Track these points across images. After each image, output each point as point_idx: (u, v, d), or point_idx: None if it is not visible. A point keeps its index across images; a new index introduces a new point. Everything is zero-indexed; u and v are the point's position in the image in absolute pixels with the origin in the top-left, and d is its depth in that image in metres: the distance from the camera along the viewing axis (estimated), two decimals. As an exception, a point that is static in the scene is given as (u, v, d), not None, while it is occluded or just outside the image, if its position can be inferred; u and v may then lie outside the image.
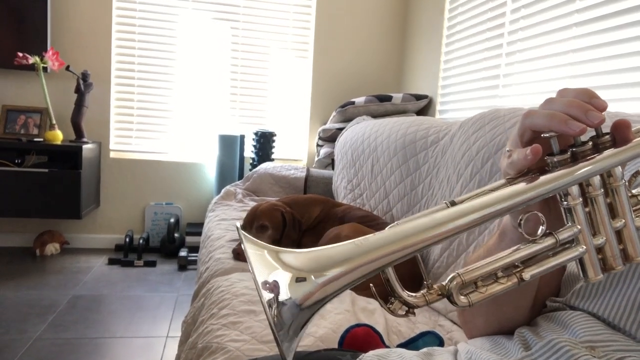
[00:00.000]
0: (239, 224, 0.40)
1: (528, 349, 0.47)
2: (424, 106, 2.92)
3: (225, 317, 1.05)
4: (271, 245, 0.37)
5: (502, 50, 2.16)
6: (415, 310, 0.40)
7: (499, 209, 0.37)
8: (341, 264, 0.34)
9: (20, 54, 2.69)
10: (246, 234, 0.37)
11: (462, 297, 0.39)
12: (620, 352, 0.43)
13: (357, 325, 0.90)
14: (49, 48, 2.82)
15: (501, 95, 2.17)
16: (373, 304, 1.16)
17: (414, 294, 0.39)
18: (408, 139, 1.81)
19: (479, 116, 1.44)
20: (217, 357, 0.91)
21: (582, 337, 0.45)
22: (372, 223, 1.59)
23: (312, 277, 0.33)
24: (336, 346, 0.88)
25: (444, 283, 0.39)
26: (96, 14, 3.03)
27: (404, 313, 0.39)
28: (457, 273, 0.39)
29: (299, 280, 0.33)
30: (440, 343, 0.87)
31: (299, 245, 1.62)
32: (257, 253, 0.36)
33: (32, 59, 2.71)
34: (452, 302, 0.39)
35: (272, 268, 0.34)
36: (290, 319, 0.33)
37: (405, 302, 0.38)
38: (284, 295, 0.33)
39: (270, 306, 0.33)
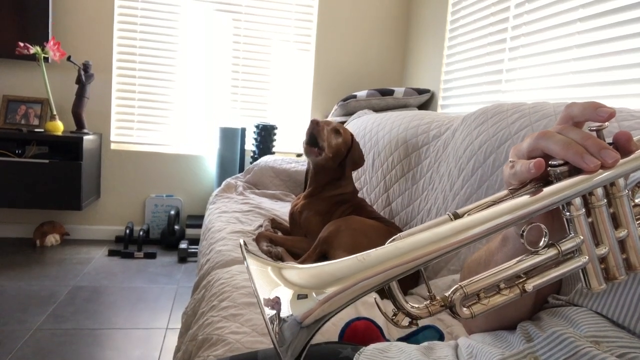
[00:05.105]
0: (242, 240, 0.39)
1: (530, 340, 0.47)
2: (426, 100, 2.91)
3: (225, 309, 1.05)
4: (274, 262, 0.37)
5: (506, 45, 2.15)
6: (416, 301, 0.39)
7: (502, 222, 0.38)
8: (343, 280, 0.34)
9: (22, 44, 2.68)
10: (249, 251, 0.37)
11: (465, 309, 0.39)
12: (624, 349, 0.42)
13: (358, 319, 0.90)
14: (50, 38, 2.81)
15: (504, 90, 2.16)
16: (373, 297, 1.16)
17: (417, 306, 0.39)
18: (410, 133, 1.80)
19: (481, 111, 1.43)
20: (217, 349, 0.91)
21: (587, 332, 0.45)
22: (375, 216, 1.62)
23: (314, 294, 0.33)
24: (336, 339, 0.88)
25: (446, 294, 0.39)
26: (98, 4, 3.01)
27: (407, 324, 0.39)
28: (460, 285, 0.39)
29: (301, 297, 0.33)
30: (441, 337, 0.87)
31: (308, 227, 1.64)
32: (260, 269, 0.36)
33: (33, 49, 2.70)
34: (455, 313, 0.39)
35: (275, 285, 0.34)
36: (290, 337, 0.32)
37: (408, 314, 0.39)
38: (285, 312, 0.33)
39: (272, 322, 0.32)
